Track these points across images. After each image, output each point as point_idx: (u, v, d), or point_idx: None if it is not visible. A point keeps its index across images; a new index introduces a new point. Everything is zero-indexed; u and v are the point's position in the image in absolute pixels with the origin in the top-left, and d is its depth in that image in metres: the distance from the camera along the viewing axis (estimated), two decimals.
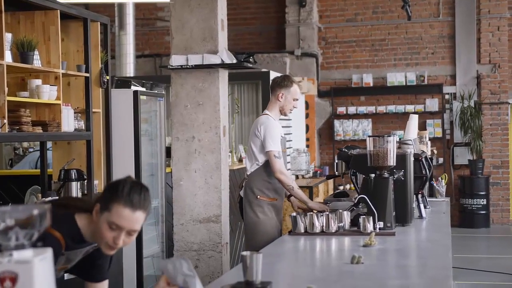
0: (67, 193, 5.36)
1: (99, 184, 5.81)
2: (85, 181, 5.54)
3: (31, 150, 8.73)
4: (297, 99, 5.27)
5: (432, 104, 12.55)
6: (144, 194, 2.58)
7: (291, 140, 10.35)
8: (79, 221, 2.65)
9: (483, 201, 12.16)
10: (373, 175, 4.39)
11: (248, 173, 5.21)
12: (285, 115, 5.33)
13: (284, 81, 5.24)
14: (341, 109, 12.86)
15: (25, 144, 8.83)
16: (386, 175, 4.39)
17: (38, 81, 4.98)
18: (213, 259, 5.69)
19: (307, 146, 12.14)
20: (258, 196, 5.13)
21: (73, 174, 5.38)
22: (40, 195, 5.41)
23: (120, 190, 2.54)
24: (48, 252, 1.79)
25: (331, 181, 11.24)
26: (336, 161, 5.11)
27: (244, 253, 2.74)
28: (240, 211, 5.38)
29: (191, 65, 5.62)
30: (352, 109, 12.81)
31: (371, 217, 4.20)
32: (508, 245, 10.99)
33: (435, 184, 6.46)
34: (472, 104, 12.30)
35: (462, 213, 12.29)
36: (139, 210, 2.54)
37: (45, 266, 1.76)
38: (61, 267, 2.71)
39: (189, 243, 5.70)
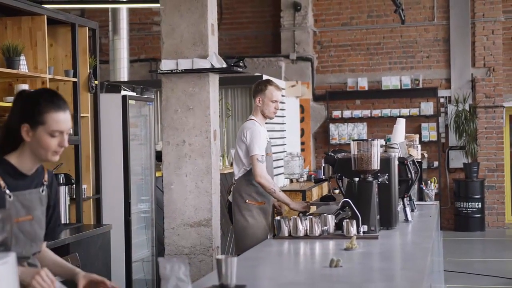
0: None
1: (87, 189, 5.82)
2: (73, 185, 5.55)
3: None
4: (275, 101, 5.35)
5: (427, 107, 12.56)
6: (59, 95, 2.75)
7: (285, 144, 10.37)
8: (9, 159, 2.71)
9: (478, 205, 12.17)
10: (357, 178, 4.40)
11: (235, 178, 5.31)
12: (270, 118, 5.41)
13: (259, 86, 5.37)
14: (336, 113, 12.88)
15: None
16: (370, 178, 4.40)
17: (25, 86, 5.00)
18: (204, 263, 5.69)
19: (303, 150, 12.16)
20: (247, 201, 5.22)
21: (61, 178, 5.39)
22: None
23: (44, 101, 2.67)
24: (11, 257, 1.81)
25: (325, 185, 11.26)
26: (323, 165, 5.13)
27: (219, 257, 2.76)
28: (229, 216, 5.42)
29: (181, 70, 5.64)
30: (347, 113, 12.83)
31: (355, 221, 4.22)
32: (503, 249, 10.99)
33: (424, 188, 6.46)
34: (467, 108, 12.31)
35: (457, 216, 12.30)
36: (67, 110, 2.73)
37: (7, 271, 1.78)
38: (24, 218, 2.69)
39: (180, 247, 5.70)
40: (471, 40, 12.57)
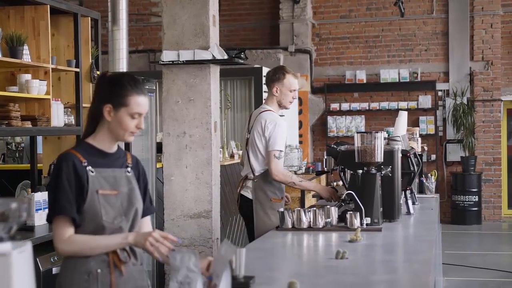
0: None
1: None
2: None
3: (23, 145, 8.73)
4: (293, 90, 5.08)
5: (425, 101, 12.58)
6: (140, 80, 2.91)
7: None
8: (89, 141, 2.87)
9: (475, 198, 12.20)
10: (360, 171, 4.40)
11: (256, 174, 5.03)
12: (286, 108, 5.19)
13: (276, 74, 5.09)
14: (334, 106, 12.89)
15: (18, 139, 8.83)
16: (373, 171, 4.40)
17: (28, 76, 4.98)
18: (204, 255, 5.69)
19: (301, 142, 12.16)
20: (272, 199, 5.01)
21: None
22: (30, 189, 5.41)
23: (129, 85, 2.82)
24: (28, 246, 1.80)
25: (323, 177, 11.27)
26: (325, 157, 5.11)
27: None
28: (242, 212, 5.21)
29: (183, 61, 5.62)
30: (345, 106, 12.84)
31: (358, 213, 4.22)
32: (500, 242, 11.05)
33: (424, 181, 6.48)
34: (465, 101, 12.33)
35: (454, 209, 12.33)
36: (147, 94, 2.88)
37: (24, 259, 1.78)
38: (108, 191, 2.82)
39: (180, 239, 5.70)
40: (469, 34, 12.58)
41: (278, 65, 12.32)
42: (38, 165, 5.74)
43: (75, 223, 2.77)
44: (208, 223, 5.72)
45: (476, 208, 12.24)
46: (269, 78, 5.15)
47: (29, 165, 5.71)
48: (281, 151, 4.93)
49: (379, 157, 4.39)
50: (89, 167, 2.79)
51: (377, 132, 4.42)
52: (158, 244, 2.69)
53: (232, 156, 8.18)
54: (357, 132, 4.47)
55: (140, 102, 2.82)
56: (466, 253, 9.86)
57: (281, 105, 5.13)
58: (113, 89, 2.82)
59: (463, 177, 12.25)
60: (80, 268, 2.79)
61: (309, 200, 9.35)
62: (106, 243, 2.77)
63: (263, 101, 9.74)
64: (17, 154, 8.69)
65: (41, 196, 5.09)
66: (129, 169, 2.93)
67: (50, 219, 2.79)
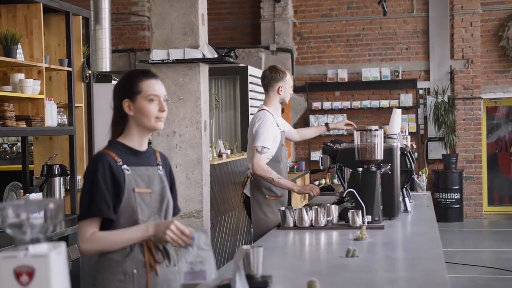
0: (50, 188, 5.30)
1: (81, 180, 5.74)
2: (68, 176, 5.47)
3: (5, 146, 8.62)
4: (291, 86, 5.25)
5: (407, 99, 12.65)
6: (146, 69, 2.94)
7: None
8: (120, 140, 2.85)
9: (456, 195, 12.29)
10: (360, 169, 4.40)
11: (251, 172, 5.05)
12: (286, 104, 5.29)
13: (279, 74, 5.15)
14: (316, 104, 12.90)
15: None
16: (373, 169, 4.40)
17: (21, 75, 4.91)
18: None
19: None
20: (267, 196, 5.04)
21: (56, 169, 5.31)
22: (21, 191, 5.33)
23: (135, 75, 2.85)
24: (63, 246, 1.77)
25: (307, 176, 11.30)
26: (321, 155, 5.10)
27: (245, 247, 2.74)
28: (246, 210, 5.24)
29: (172, 60, 5.59)
30: (327, 104, 12.86)
31: (360, 211, 4.22)
32: (482, 239, 11.14)
33: (416, 178, 6.50)
34: (446, 99, 12.41)
35: (436, 207, 12.32)
36: (158, 79, 2.88)
37: (61, 260, 1.74)
38: (143, 190, 2.80)
39: None
40: (449, 32, 12.67)
41: (259, 64, 12.35)
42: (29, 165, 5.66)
43: (111, 224, 2.74)
44: (199, 222, 5.69)
45: (457, 206, 12.33)
46: (272, 79, 5.16)
47: (20, 166, 5.62)
48: (264, 146, 4.94)
49: (379, 154, 4.40)
50: (124, 166, 2.77)
51: (377, 130, 4.43)
52: (176, 238, 2.67)
53: (220, 155, 8.14)
54: (357, 130, 4.47)
55: (152, 84, 2.81)
56: (450, 250, 9.92)
57: (283, 103, 5.22)
58: (124, 84, 2.85)
59: (444, 175, 12.34)
60: (116, 268, 2.75)
61: (295, 199, 9.35)
62: (128, 237, 2.73)
63: (249, 100, 9.84)
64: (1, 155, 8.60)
65: (36, 198, 5.03)
66: (160, 167, 2.91)
67: (83, 219, 2.74)
